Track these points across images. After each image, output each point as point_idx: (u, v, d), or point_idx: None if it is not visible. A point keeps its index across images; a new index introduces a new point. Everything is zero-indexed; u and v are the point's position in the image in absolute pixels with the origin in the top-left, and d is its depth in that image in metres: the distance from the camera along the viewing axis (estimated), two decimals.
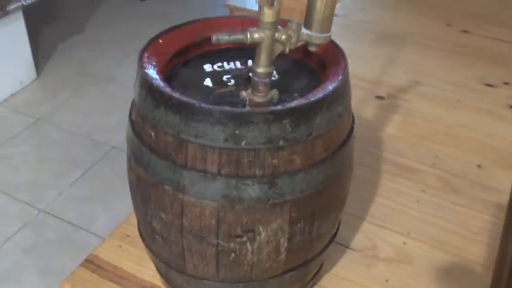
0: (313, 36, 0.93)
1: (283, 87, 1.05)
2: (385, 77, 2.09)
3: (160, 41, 1.08)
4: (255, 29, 0.90)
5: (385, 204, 1.51)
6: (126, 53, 2.95)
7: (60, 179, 2.09)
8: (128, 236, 1.39)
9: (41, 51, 2.90)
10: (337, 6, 2.70)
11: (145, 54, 1.03)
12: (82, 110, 2.48)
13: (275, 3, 0.87)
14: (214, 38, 0.89)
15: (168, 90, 0.93)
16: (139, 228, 1.19)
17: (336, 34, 2.41)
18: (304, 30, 0.93)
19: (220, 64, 1.12)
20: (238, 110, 0.90)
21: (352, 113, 1.11)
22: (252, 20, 1.10)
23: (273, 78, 1.08)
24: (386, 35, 2.40)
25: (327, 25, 0.92)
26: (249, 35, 0.90)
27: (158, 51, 1.06)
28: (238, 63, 1.13)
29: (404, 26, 2.45)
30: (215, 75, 1.09)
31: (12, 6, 2.43)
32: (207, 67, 1.11)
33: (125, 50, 2.92)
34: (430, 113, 1.89)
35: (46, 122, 2.40)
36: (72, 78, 2.72)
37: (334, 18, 2.70)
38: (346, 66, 1.01)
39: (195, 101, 0.90)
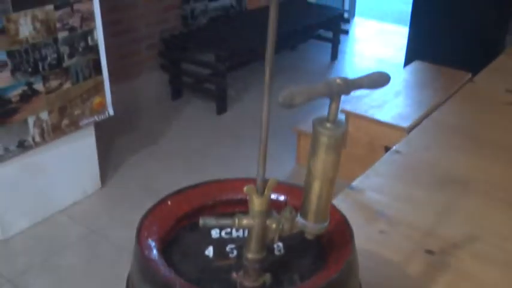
0: (307, 226, 0.88)
1: (287, 265, 0.99)
2: (440, 229, 1.96)
3: (169, 202, 1.08)
4: (243, 215, 0.87)
5: None
6: (190, 169, 3.02)
7: None
8: None
9: (110, 162, 3.03)
10: (403, 141, 2.64)
11: (148, 218, 1.02)
12: (136, 226, 2.53)
13: (265, 191, 0.84)
14: (201, 222, 0.86)
15: (153, 266, 0.90)
16: None
17: (396, 174, 2.33)
18: (299, 219, 0.88)
19: (229, 230, 1.09)
20: None
21: None
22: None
23: (277, 253, 1.03)
24: (448, 179, 2.28)
25: (322, 216, 0.87)
26: (237, 221, 0.86)
27: (163, 213, 1.05)
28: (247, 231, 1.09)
29: (468, 170, 2.32)
30: (219, 244, 1.05)
31: (84, 122, 2.58)
32: (215, 232, 1.08)
33: (190, 166, 2.99)
34: (483, 277, 1.72)
35: (99, 235, 2.46)
36: (134, 192, 2.80)
37: (397, 156, 2.61)
38: (350, 254, 0.94)
39: (177, 283, 0.86)
